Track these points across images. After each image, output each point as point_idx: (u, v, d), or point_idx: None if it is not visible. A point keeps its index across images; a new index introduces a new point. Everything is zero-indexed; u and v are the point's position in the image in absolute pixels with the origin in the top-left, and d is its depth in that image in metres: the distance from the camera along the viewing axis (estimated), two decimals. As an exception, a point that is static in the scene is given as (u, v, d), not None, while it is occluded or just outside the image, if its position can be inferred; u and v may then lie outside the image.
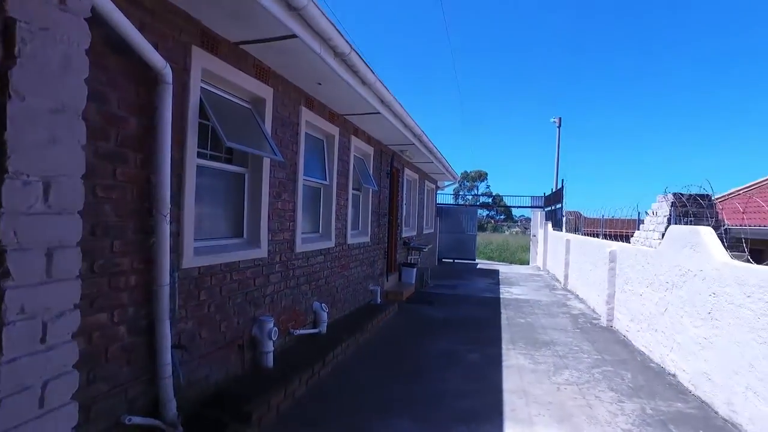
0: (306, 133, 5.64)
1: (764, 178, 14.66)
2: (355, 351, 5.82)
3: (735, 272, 4.07)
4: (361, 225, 8.24)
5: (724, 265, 4.27)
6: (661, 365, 5.50)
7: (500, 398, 4.44)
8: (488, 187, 69.25)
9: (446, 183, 19.47)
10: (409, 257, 11.91)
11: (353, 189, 7.52)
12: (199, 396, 3.64)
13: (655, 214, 7.56)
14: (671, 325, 5.33)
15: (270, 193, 4.72)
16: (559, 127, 21.32)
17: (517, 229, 63.38)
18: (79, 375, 1.64)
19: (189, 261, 3.47)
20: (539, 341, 6.62)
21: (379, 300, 8.47)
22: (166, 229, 3.06)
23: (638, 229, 8.33)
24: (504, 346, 6.33)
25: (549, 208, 19.59)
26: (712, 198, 6.96)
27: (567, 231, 14.91)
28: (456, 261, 19.74)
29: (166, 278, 3.07)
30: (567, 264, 12.17)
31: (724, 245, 4.57)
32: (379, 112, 6.48)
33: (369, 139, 8.21)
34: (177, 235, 3.34)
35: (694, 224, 5.88)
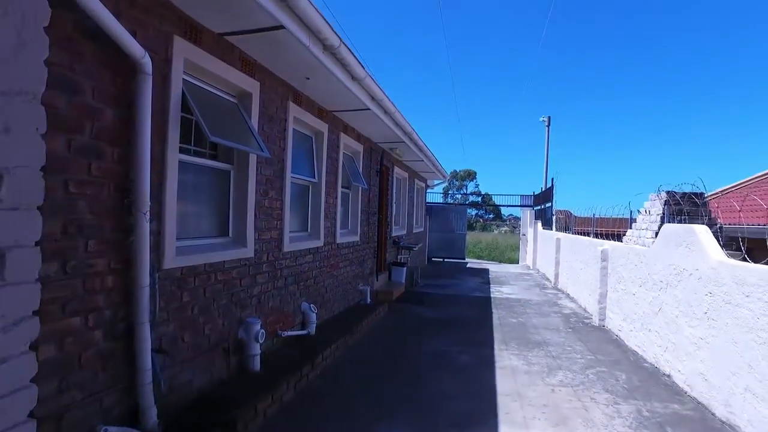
0: (294, 129, 5.49)
1: (752, 177, 14.78)
2: (345, 352, 5.68)
3: (733, 271, 4.00)
4: (350, 224, 8.10)
5: (721, 264, 4.20)
6: (655, 365, 5.44)
7: (494, 401, 4.34)
8: (477, 186, 69.47)
9: (436, 182, 19.40)
10: (399, 256, 11.79)
11: (342, 187, 7.38)
12: (182, 402, 3.48)
13: (647, 212, 7.51)
14: (666, 325, 5.26)
15: (257, 191, 4.57)
16: (548, 126, 21.36)
17: (506, 228, 63.61)
18: (39, 388, 1.48)
19: (171, 261, 3.31)
20: (532, 341, 6.54)
21: (369, 300, 8.34)
22: (146, 227, 2.90)
23: (630, 228, 8.29)
24: (496, 346, 6.24)
25: (538, 207, 19.61)
26: (705, 196, 6.94)
27: (557, 230, 14.90)
28: (446, 260, 19.68)
29: (145, 279, 2.91)
30: (557, 263, 12.14)
31: (719, 244, 4.50)
32: (369, 109, 6.34)
33: (359, 137, 8.07)
34: (158, 234, 3.18)
35: (688, 223, 5.84)
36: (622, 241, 8.22)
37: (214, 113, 3.91)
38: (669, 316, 5.20)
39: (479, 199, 57.96)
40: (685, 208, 6.47)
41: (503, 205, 25.30)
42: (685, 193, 6.74)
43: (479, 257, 25.52)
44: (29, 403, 1.46)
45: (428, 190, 19.59)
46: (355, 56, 4.94)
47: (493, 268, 18.11)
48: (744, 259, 4.18)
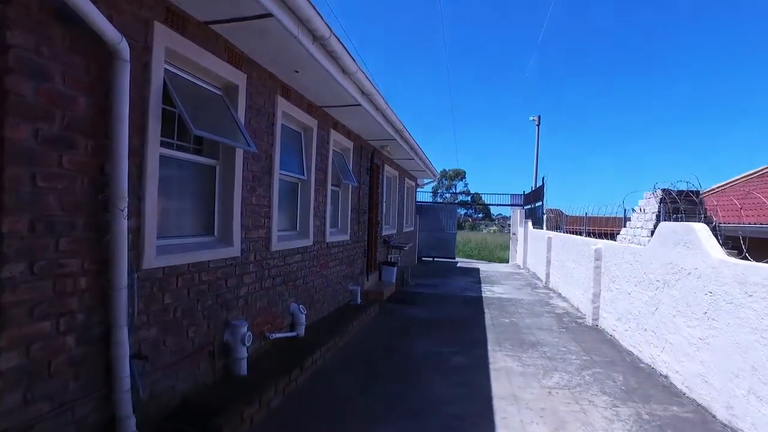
0: (282, 124, 5.31)
1: (741, 176, 14.88)
2: (335, 355, 5.52)
3: (735, 270, 3.91)
4: (340, 222, 7.93)
5: (722, 263, 4.11)
6: (652, 366, 5.35)
7: (490, 404, 4.21)
8: (466, 186, 69.63)
9: (426, 181, 19.27)
10: (389, 256, 11.65)
11: (332, 185, 7.21)
12: (164, 410, 3.30)
13: (642, 211, 7.44)
14: (662, 325, 5.17)
15: (243, 188, 4.39)
16: (538, 125, 21.34)
17: (495, 227, 63.85)
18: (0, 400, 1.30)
19: (151, 261, 3.12)
20: (526, 342, 6.43)
21: (359, 300, 8.18)
22: (124, 225, 2.71)
23: (625, 227, 8.22)
24: (490, 347, 6.11)
25: (528, 206, 19.59)
26: (700, 194, 6.88)
27: (548, 229, 14.85)
28: (436, 259, 19.59)
29: (123, 280, 2.72)
30: (548, 262, 12.07)
31: (718, 242, 4.42)
32: (359, 104, 6.18)
33: (349, 134, 7.90)
34: (137, 232, 3.00)
35: (684, 221, 5.76)
36: (615, 240, 8.15)
37: (199, 106, 3.73)
38: (666, 315, 5.11)
39: (468, 198, 58.05)
40: (682, 206, 6.40)
41: (493, 204, 25.26)
42: (681, 191, 6.67)
43: (469, 256, 25.46)
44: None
45: (418, 190, 19.46)
46: (345, 49, 4.77)
47: (484, 267, 18.04)
48: (744, 258, 4.09)
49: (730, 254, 4.44)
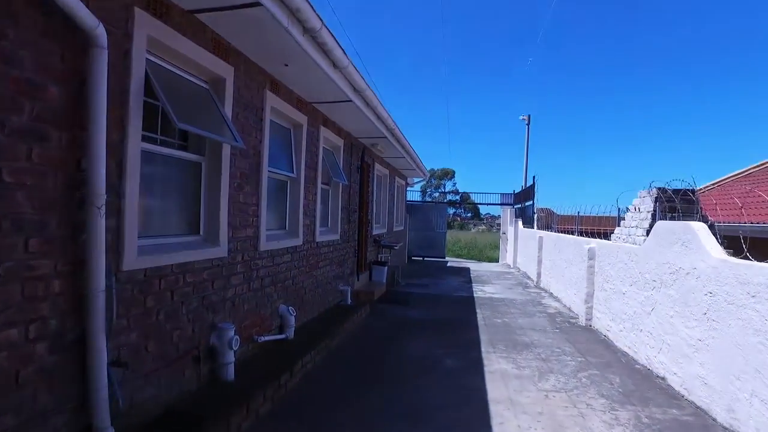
0: (271, 120, 5.14)
1: (729, 175, 14.98)
2: (325, 358, 5.36)
3: (736, 270, 3.82)
4: (330, 221, 7.77)
5: (722, 263, 4.03)
6: (648, 367, 5.27)
7: (486, 409, 4.08)
8: (455, 185, 69.74)
9: (416, 180, 19.17)
10: (379, 255, 11.50)
11: (322, 183, 7.05)
12: (146, 419, 3.12)
13: (637, 210, 7.38)
14: (659, 326, 5.09)
15: (230, 185, 4.21)
16: (528, 124, 21.34)
17: (483, 226, 64.03)
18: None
19: (132, 262, 2.95)
20: (519, 343, 6.32)
21: (349, 301, 8.03)
22: (101, 224, 2.54)
23: (619, 226, 8.15)
24: (483, 348, 6.00)
25: (519, 206, 19.56)
26: (696, 193, 6.83)
27: (538, 228, 14.81)
28: (426, 259, 19.49)
29: (100, 283, 2.55)
30: (540, 262, 12.01)
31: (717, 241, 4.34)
32: (350, 101, 6.03)
33: (339, 131, 7.75)
34: (116, 232, 2.82)
35: (681, 220, 5.69)
36: (609, 240, 8.08)
37: (183, 99, 3.55)
38: (663, 316, 5.03)
39: (458, 197, 58.09)
40: (678, 205, 6.33)
41: (483, 204, 25.24)
42: (678, 190, 6.61)
43: (459, 256, 25.41)
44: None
45: (408, 189, 19.34)
46: (337, 41, 4.62)
47: (474, 266, 17.97)
48: (745, 258, 4.01)
49: (728, 254, 4.36)
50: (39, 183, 2.25)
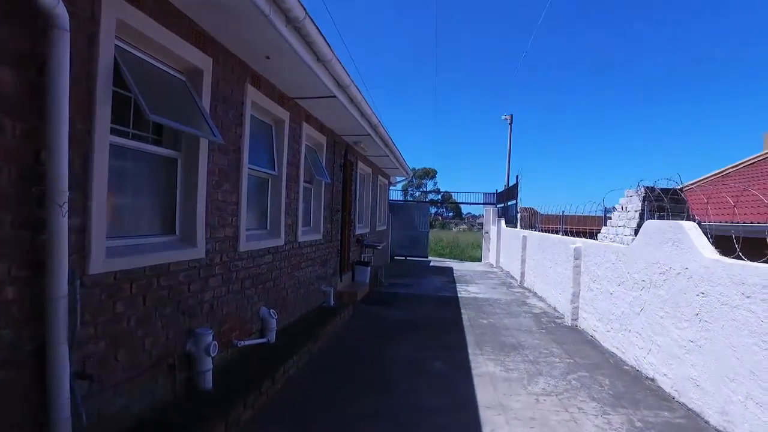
0: (252, 115, 4.92)
1: (711, 174, 15.18)
2: (308, 362, 5.16)
3: (730, 270, 3.75)
4: (312, 221, 7.56)
5: (715, 263, 3.96)
6: (637, 368, 5.20)
7: (476, 414, 3.94)
8: (436, 184, 69.78)
9: (398, 179, 19.03)
10: (362, 255, 11.32)
11: (304, 181, 6.84)
12: (115, 434, 2.90)
13: (624, 209, 7.34)
14: (649, 326, 5.03)
15: (208, 182, 3.99)
16: (510, 124, 21.37)
17: (465, 226, 64.34)
18: None
19: (99, 264, 2.71)
20: (506, 344, 6.21)
21: (332, 302, 7.82)
22: (63, 223, 2.31)
23: (605, 225, 8.11)
24: (470, 350, 5.87)
25: (501, 205, 19.57)
26: (683, 192, 6.81)
27: (521, 227, 14.80)
28: (408, 258, 19.36)
29: (62, 288, 2.32)
30: (524, 261, 11.97)
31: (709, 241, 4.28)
32: (334, 96, 5.83)
33: (322, 128, 7.54)
34: (81, 232, 2.59)
35: (669, 219, 5.64)
36: (595, 239, 8.04)
37: (157, 90, 3.33)
38: (653, 317, 4.96)
39: (439, 197, 58.19)
40: (668, 205, 6.29)
41: (466, 203, 25.22)
42: (667, 189, 6.58)
43: (441, 255, 25.36)
44: None
45: (390, 188, 19.19)
46: (321, 34, 4.43)
47: (457, 266, 17.91)
48: (738, 258, 3.94)
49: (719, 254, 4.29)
50: (-10, 177, 2.02)
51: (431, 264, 18.43)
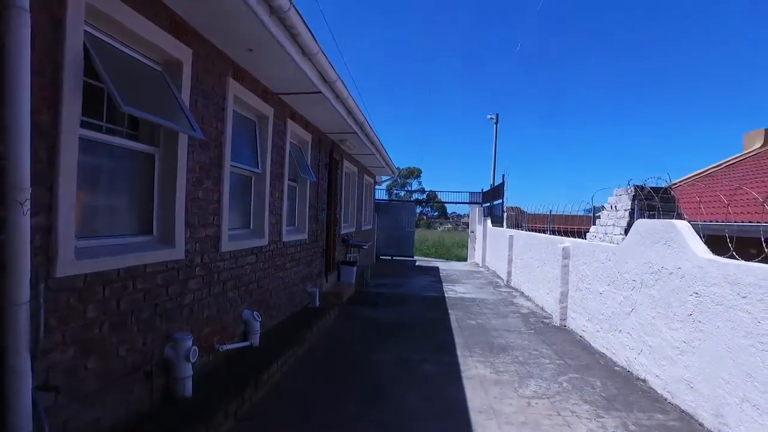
0: (234, 110, 4.73)
1: (693, 174, 15.32)
2: (293, 366, 4.99)
3: (726, 270, 3.68)
4: (297, 220, 7.38)
5: (709, 263, 3.89)
6: (628, 369, 5.14)
7: (468, 420, 3.82)
8: (420, 184, 69.76)
9: (384, 178, 18.88)
10: (348, 255, 11.16)
11: (289, 180, 6.66)
12: (85, 448, 2.70)
13: (613, 208, 7.30)
14: (640, 327, 4.96)
15: (188, 180, 3.80)
16: (496, 123, 21.38)
17: (450, 225, 64.47)
18: None
19: (67, 267, 2.52)
20: (495, 346, 6.11)
21: (318, 303, 7.65)
22: (24, 222, 2.12)
23: (594, 225, 8.07)
24: (459, 352, 5.75)
25: (487, 204, 19.55)
26: (672, 190, 6.79)
27: (508, 227, 14.77)
28: (394, 258, 19.24)
29: (23, 293, 2.12)
30: (510, 261, 11.92)
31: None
32: (320, 92, 5.67)
33: (307, 125, 7.36)
34: (47, 232, 2.40)
35: (660, 218, 5.59)
36: (584, 239, 7.99)
37: (132, 80, 3.13)
38: (644, 317, 4.89)
39: (424, 196, 58.19)
40: (658, 203, 6.26)
41: (452, 202, 25.16)
42: (658, 188, 6.55)
43: (426, 255, 25.29)
44: None
45: (375, 187, 19.04)
46: (306, 25, 4.27)
47: (443, 266, 17.83)
48: (731, 258, 3.88)
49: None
50: (-61, 171, 1.83)
51: (417, 264, 18.34)
